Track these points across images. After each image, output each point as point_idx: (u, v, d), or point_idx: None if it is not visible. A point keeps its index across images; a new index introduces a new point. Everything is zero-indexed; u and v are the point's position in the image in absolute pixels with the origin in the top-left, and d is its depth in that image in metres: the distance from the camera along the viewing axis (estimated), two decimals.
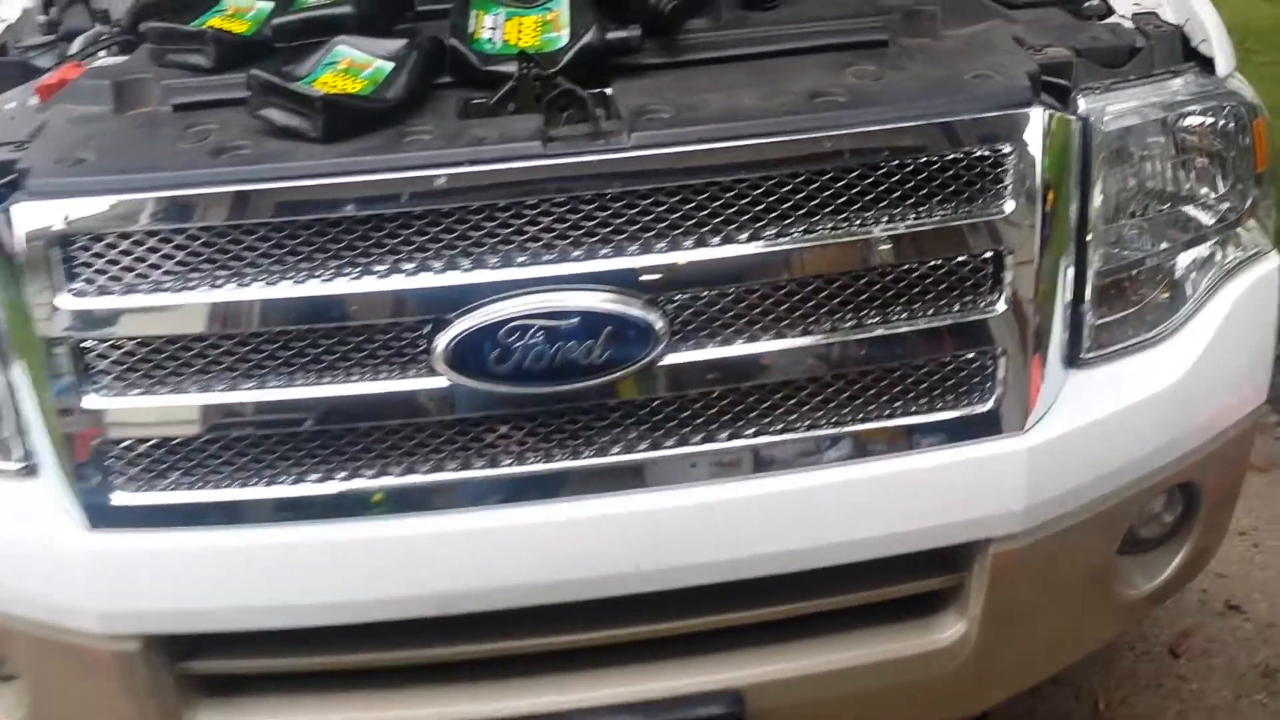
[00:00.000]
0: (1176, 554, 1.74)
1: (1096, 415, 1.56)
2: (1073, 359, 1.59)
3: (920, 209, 1.45)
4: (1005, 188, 1.47)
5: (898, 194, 1.44)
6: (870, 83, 1.50)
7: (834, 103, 1.45)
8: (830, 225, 1.44)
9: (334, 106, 1.42)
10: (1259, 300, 1.71)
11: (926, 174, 1.45)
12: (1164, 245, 1.67)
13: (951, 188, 1.46)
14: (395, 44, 1.56)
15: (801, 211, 1.43)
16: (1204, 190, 1.70)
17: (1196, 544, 1.75)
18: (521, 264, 1.40)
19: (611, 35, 1.56)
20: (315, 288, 1.40)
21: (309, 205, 1.39)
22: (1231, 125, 1.67)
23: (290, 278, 1.41)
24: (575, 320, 1.39)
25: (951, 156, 1.45)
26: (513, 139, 1.41)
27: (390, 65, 1.53)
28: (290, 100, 1.44)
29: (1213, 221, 1.70)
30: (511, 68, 1.52)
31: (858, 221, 1.44)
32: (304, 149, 1.41)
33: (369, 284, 1.40)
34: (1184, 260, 1.69)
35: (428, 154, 1.39)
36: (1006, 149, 1.45)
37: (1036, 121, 1.47)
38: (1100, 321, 1.60)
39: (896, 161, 1.44)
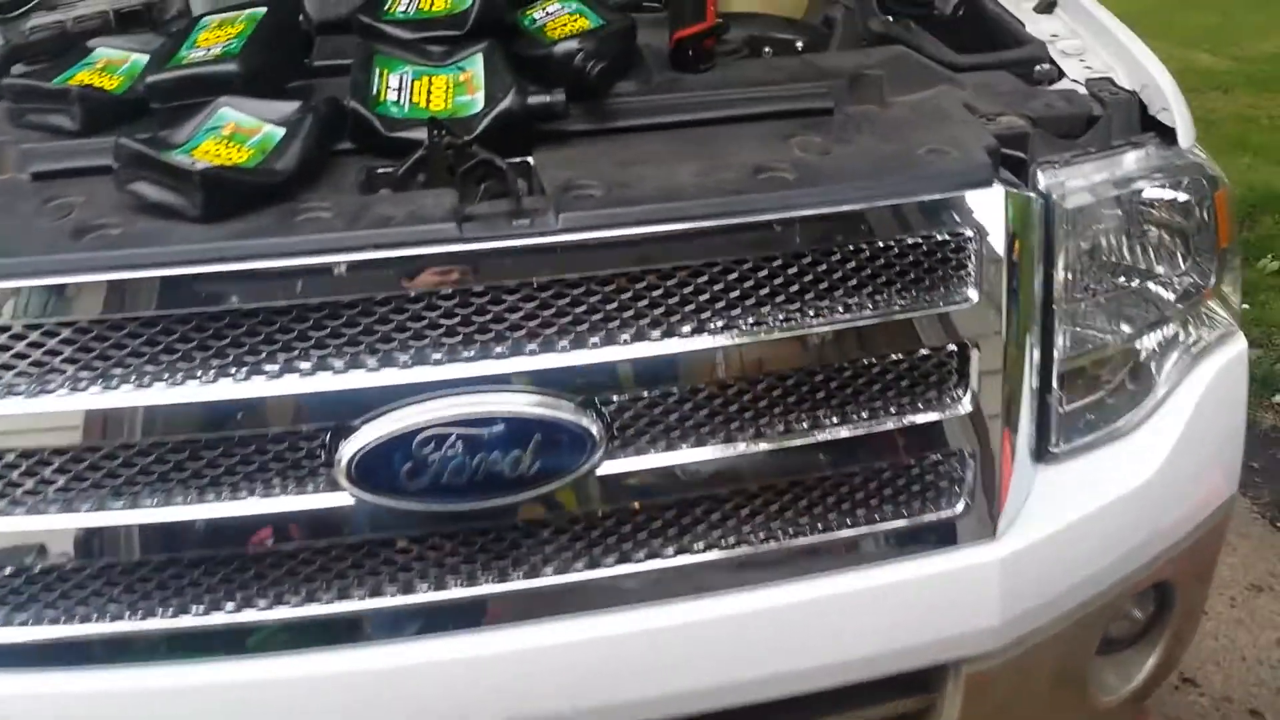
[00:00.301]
0: (1152, 652, 1.62)
1: (1071, 518, 1.43)
2: (1041, 453, 1.46)
3: (876, 299, 1.32)
4: (967, 274, 1.34)
5: (852, 282, 1.31)
6: (818, 157, 1.36)
7: (781, 180, 1.31)
8: (781, 317, 1.29)
9: (215, 181, 1.24)
10: (1228, 385, 1.61)
11: (882, 260, 1.31)
12: (1129, 327, 1.56)
13: (910, 275, 1.33)
14: (288, 106, 1.38)
15: (749, 301, 1.29)
16: (1167, 267, 1.60)
17: (1171, 640, 1.63)
18: (436, 363, 1.23)
19: (533, 100, 1.40)
20: (194, 392, 1.21)
21: (186, 296, 1.20)
22: (1195, 199, 1.58)
23: (166, 380, 1.21)
24: (499, 428, 1.21)
25: (909, 241, 1.32)
26: (423, 219, 1.24)
27: (281, 131, 1.34)
28: (164, 174, 1.25)
29: (1177, 299, 1.60)
30: (420, 134, 1.35)
31: (810, 313, 1.30)
32: (180, 230, 1.23)
33: (257, 387, 1.21)
34: (1150, 342, 1.59)
35: (325, 237, 1.21)
36: (967, 232, 1.33)
37: (998, 201, 1.35)
38: (1069, 411, 1.48)
39: (849, 247, 1.30)
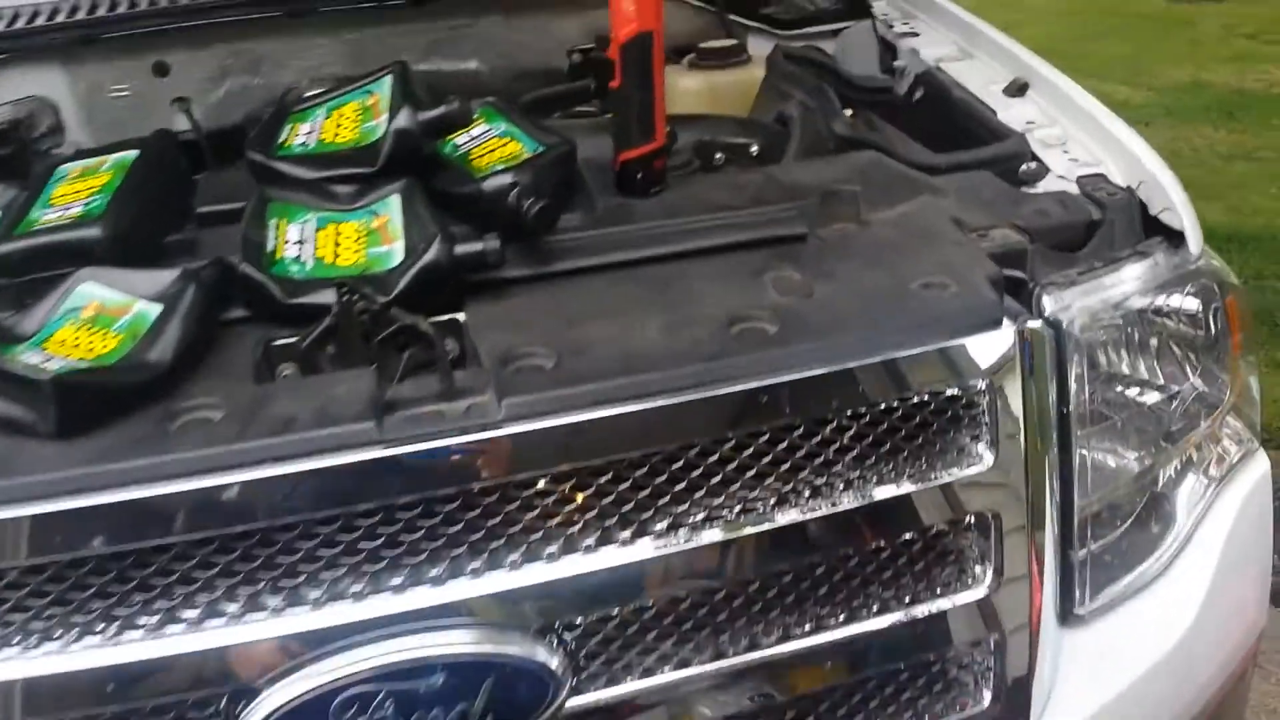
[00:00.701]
0: None
1: (1108, 695, 1.24)
2: (1066, 615, 1.27)
3: (881, 473, 1.12)
4: (980, 431, 1.15)
5: (851, 455, 1.11)
6: (799, 300, 1.16)
7: (762, 335, 1.10)
8: (771, 502, 1.09)
9: (71, 390, 1.00)
10: (1256, 511, 1.44)
11: (885, 426, 1.12)
12: (1145, 453, 1.39)
13: (916, 440, 1.13)
14: (164, 276, 1.14)
15: (733, 487, 1.08)
16: (1179, 383, 1.43)
17: None
18: (355, 598, 1.00)
19: (461, 249, 1.19)
20: (53, 658, 0.96)
21: (38, 540, 0.96)
22: (1208, 308, 1.41)
23: (16, 645, 0.96)
24: (438, 677, 0.98)
25: (913, 401, 1.12)
26: (334, 417, 1.01)
27: (157, 309, 1.11)
28: (8, 383, 1.01)
29: (1193, 418, 1.43)
30: (328, 298, 1.13)
31: (805, 494, 1.10)
32: (30, 451, 0.98)
33: (132, 646, 0.97)
34: (1168, 469, 1.41)
35: (209, 453, 0.98)
36: (978, 384, 1.14)
37: (1009, 343, 1.16)
38: (1093, 563, 1.30)
39: (846, 413, 1.10)
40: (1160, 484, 1.42)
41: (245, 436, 0.99)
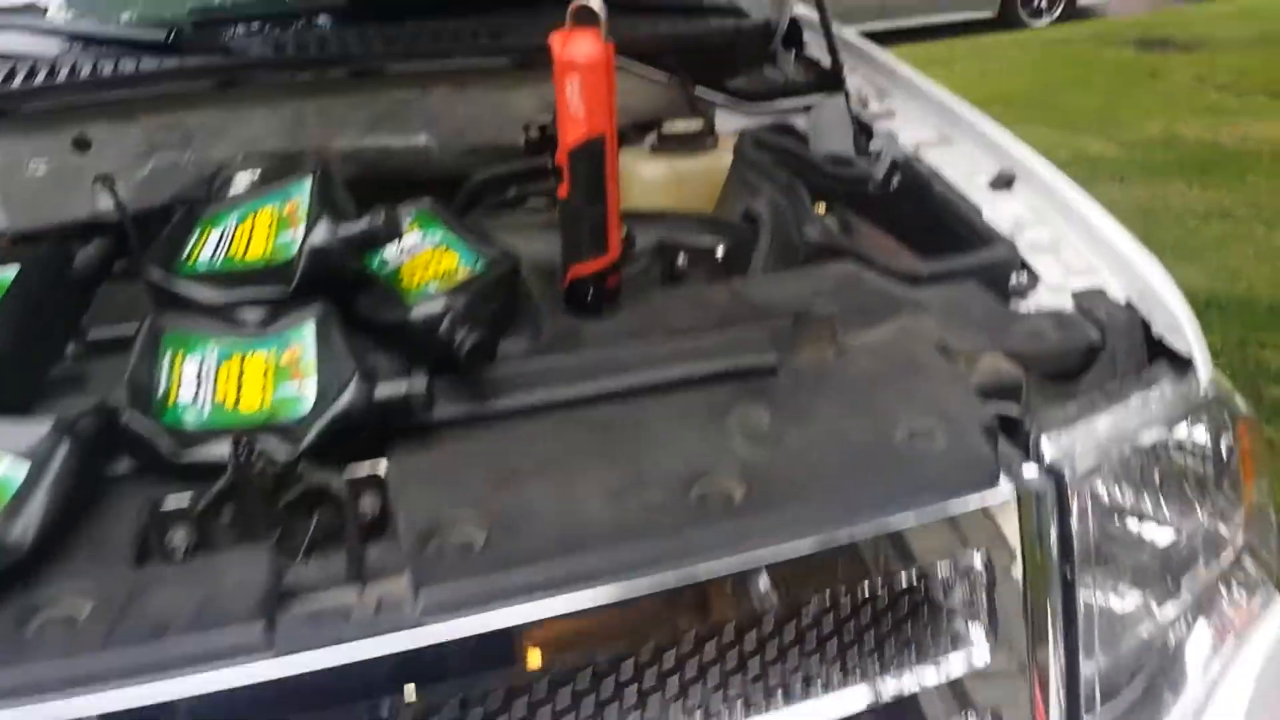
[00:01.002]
0: None
1: None
2: None
3: (864, 670, 0.96)
4: (976, 612, 1.01)
5: (830, 653, 0.95)
6: (769, 453, 1.01)
7: (727, 503, 0.95)
8: (737, 709, 0.93)
9: None
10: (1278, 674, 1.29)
11: (868, 614, 0.97)
12: (1156, 603, 1.24)
13: (905, 629, 0.98)
14: (35, 429, 0.98)
15: (689, 699, 0.92)
16: (1193, 523, 1.29)
17: None
18: None
19: (382, 392, 1.03)
20: None
21: None
22: (1219, 441, 1.28)
23: None
24: None
25: (900, 584, 0.97)
26: (218, 617, 0.85)
27: (24, 469, 0.95)
28: None
29: (1207, 561, 1.29)
30: (225, 448, 0.97)
31: (776, 697, 0.94)
32: None
33: None
34: (1181, 623, 1.27)
35: (67, 665, 0.82)
36: (975, 563, 0.99)
37: (1006, 504, 1.02)
38: None
39: (823, 600, 0.95)
40: (1171, 639, 1.28)
41: (112, 642, 0.83)
